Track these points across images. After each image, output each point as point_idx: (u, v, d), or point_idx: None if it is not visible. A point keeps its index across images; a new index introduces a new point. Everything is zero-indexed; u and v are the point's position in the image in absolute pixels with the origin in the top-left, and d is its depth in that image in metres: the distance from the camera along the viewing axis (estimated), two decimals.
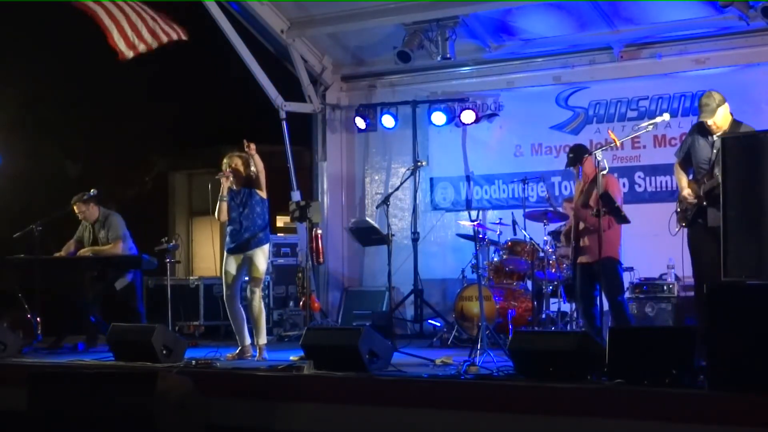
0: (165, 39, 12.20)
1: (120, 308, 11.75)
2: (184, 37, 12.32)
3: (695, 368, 7.16)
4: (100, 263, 11.95)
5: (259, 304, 9.96)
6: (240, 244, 9.99)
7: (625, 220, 9.56)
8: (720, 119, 8.65)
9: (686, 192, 8.85)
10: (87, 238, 11.97)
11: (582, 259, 9.57)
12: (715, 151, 8.62)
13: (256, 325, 9.96)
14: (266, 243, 10.05)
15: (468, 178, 13.23)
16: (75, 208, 11.92)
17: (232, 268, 10.03)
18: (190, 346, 10.29)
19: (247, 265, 9.97)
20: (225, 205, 10.04)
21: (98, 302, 11.81)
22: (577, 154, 9.88)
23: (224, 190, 10.04)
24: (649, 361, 7.29)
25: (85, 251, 11.85)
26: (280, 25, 13.48)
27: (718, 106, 8.63)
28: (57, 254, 11.98)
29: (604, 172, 9.44)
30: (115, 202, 12.42)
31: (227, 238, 10.16)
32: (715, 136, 8.66)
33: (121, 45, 11.95)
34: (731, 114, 8.76)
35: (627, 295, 10.84)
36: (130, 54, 12.08)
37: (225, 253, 10.15)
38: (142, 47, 12.09)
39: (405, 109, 13.50)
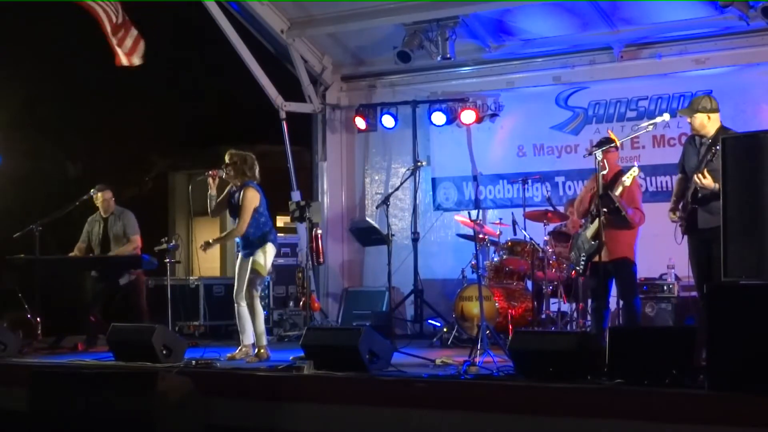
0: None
1: (122, 305, 11.75)
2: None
3: (695, 368, 7.16)
4: (100, 263, 11.95)
5: (256, 304, 9.95)
6: (244, 249, 10.00)
7: (624, 220, 9.56)
8: (697, 122, 8.62)
9: (670, 215, 8.86)
10: (96, 234, 11.88)
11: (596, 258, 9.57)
12: (699, 157, 8.65)
13: (256, 325, 9.95)
14: (263, 245, 9.93)
15: (475, 178, 13.23)
16: (100, 195, 11.83)
17: (240, 268, 10.04)
18: (190, 346, 10.28)
19: (250, 265, 9.96)
20: (214, 202, 10.05)
21: (100, 301, 11.80)
22: (602, 142, 9.73)
23: (212, 188, 10.04)
24: (649, 361, 7.29)
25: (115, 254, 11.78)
26: (280, 25, 13.48)
27: (700, 111, 8.54)
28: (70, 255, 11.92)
29: (604, 172, 9.44)
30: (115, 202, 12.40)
31: (236, 241, 10.19)
32: (702, 141, 8.66)
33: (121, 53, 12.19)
34: (721, 122, 8.73)
35: None
36: (125, 62, 12.33)
37: (239, 255, 10.18)
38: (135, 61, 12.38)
39: (405, 109, 13.50)
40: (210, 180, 10.00)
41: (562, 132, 12.71)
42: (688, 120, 8.74)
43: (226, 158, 10.02)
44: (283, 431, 8.14)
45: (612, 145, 9.45)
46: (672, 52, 11.98)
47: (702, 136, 8.67)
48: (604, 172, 9.50)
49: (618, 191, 9.30)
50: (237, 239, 10.06)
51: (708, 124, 8.63)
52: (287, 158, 13.73)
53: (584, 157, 10.52)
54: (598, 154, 9.29)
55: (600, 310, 9.62)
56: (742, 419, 6.57)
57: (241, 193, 9.90)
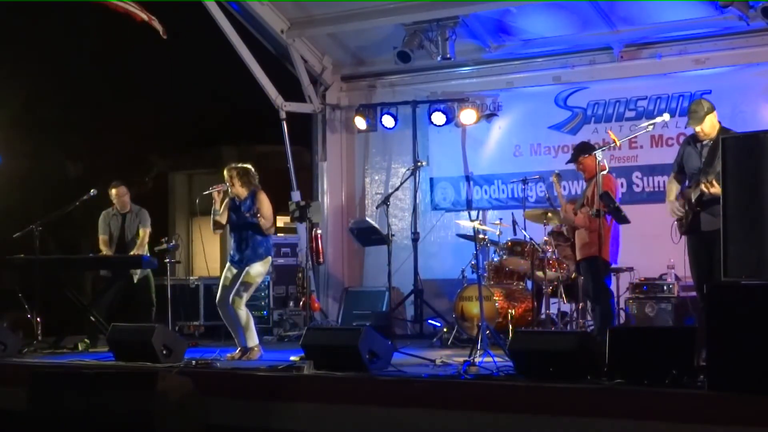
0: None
1: (130, 302, 11.77)
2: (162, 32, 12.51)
3: (695, 368, 7.17)
4: (100, 263, 11.95)
5: (243, 309, 9.96)
6: (238, 258, 10.03)
7: (624, 220, 9.58)
8: (707, 127, 8.67)
9: (669, 208, 8.88)
10: (116, 228, 11.88)
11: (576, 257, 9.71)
12: (702, 158, 8.66)
13: (246, 328, 9.98)
14: (263, 258, 10.01)
15: (467, 179, 13.24)
16: (115, 191, 11.85)
17: (229, 276, 10.07)
18: (190, 346, 10.30)
19: (243, 273, 9.99)
20: (219, 219, 10.09)
21: (113, 299, 11.78)
22: (577, 151, 10.03)
23: (217, 203, 10.06)
24: (649, 361, 7.29)
25: (136, 252, 11.75)
26: (280, 25, 13.48)
27: (707, 114, 8.65)
28: (102, 254, 11.87)
29: (604, 172, 9.46)
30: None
31: (232, 250, 10.20)
32: (702, 144, 8.71)
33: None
34: (719, 122, 8.77)
35: (627, 295, 10.84)
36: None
37: (227, 263, 10.20)
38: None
39: (405, 109, 13.50)
40: (215, 195, 10.03)
41: (559, 132, 12.71)
42: (697, 129, 8.72)
43: (230, 173, 10.04)
44: (283, 431, 8.15)
45: (603, 148, 9.63)
46: (672, 52, 11.98)
47: (701, 140, 8.70)
48: (605, 172, 9.55)
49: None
50: (233, 247, 10.08)
51: (715, 122, 8.68)
52: (287, 158, 13.73)
53: (567, 164, 10.65)
54: (599, 154, 9.33)
55: (596, 309, 9.68)
56: (742, 419, 6.57)
57: (254, 199, 10.01)
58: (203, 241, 12.54)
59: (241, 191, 10.07)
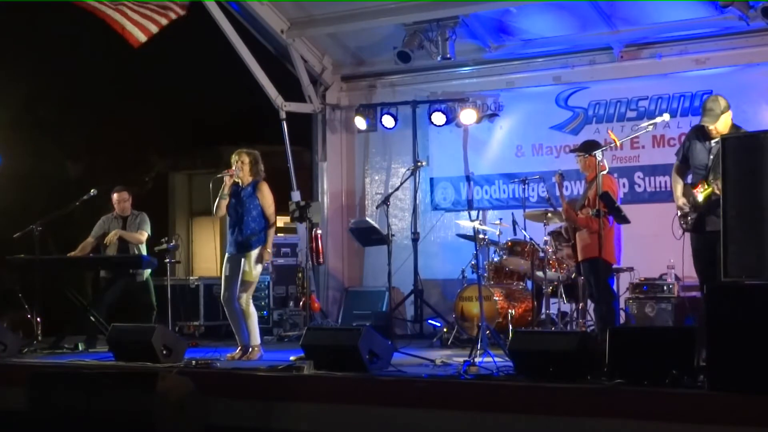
0: (172, 16, 12.39)
1: (132, 303, 11.78)
2: (182, 12, 12.46)
3: (695, 368, 7.17)
4: (100, 263, 11.95)
5: (247, 307, 9.96)
6: (236, 247, 10.02)
7: (625, 220, 9.57)
8: (721, 125, 8.63)
9: (681, 201, 8.86)
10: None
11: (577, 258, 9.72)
12: (711, 156, 8.63)
13: (249, 327, 9.98)
14: (255, 248, 10.00)
15: (468, 179, 13.23)
16: (116, 195, 11.86)
17: (228, 269, 10.05)
18: (190, 346, 10.29)
19: (241, 267, 9.98)
20: (224, 203, 10.06)
21: (113, 299, 11.78)
22: (584, 145, 10.09)
23: (226, 187, 10.05)
24: (649, 361, 7.29)
25: (113, 234, 11.73)
26: (280, 25, 13.49)
27: (723, 112, 8.59)
28: (72, 254, 11.87)
29: (604, 172, 9.47)
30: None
31: (228, 238, 10.20)
32: (712, 142, 8.67)
33: (135, 32, 12.13)
34: (731, 120, 8.75)
35: (627, 295, 10.84)
36: (143, 38, 12.29)
37: (225, 255, 10.19)
38: (153, 28, 12.28)
39: (405, 109, 13.50)
40: (227, 179, 10.04)
41: (561, 132, 12.71)
42: (713, 128, 8.67)
43: (242, 158, 10.03)
44: (283, 431, 8.15)
45: (603, 148, 9.58)
46: (672, 52, 11.98)
47: (713, 137, 8.66)
48: (604, 172, 9.55)
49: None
50: (230, 237, 10.08)
51: (729, 121, 8.64)
52: (287, 158, 13.73)
53: (567, 152, 10.64)
54: (598, 154, 9.33)
55: (595, 310, 9.70)
56: (742, 419, 6.57)
57: (255, 189, 10.02)
58: (215, 238, 12.55)
59: (247, 178, 10.06)
